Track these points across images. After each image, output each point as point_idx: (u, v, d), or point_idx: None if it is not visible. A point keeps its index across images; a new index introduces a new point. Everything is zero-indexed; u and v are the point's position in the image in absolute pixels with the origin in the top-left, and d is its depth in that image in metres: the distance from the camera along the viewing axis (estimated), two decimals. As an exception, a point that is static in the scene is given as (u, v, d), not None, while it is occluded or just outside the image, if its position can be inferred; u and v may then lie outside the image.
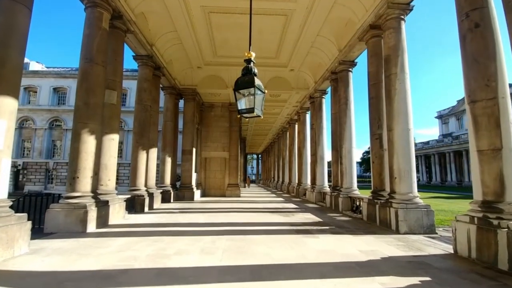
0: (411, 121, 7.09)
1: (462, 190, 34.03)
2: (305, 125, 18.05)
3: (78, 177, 6.40)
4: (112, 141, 7.65)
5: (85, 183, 6.45)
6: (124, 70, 32.15)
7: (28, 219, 6.92)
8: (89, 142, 6.56)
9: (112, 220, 7.20)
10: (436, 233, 6.66)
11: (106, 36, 7.31)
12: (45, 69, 38.71)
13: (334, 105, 12.06)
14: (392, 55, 7.31)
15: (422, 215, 6.56)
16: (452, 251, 5.04)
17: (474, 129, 4.84)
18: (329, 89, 14.38)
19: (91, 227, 6.29)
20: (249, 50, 4.57)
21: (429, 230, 6.55)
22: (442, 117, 56.68)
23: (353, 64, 10.94)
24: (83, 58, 6.87)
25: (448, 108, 55.66)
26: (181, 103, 15.57)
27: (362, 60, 13.09)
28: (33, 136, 35.20)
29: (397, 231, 6.50)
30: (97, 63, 6.92)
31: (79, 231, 6.08)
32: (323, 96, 14.59)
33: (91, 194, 6.55)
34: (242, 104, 4.39)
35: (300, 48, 12.05)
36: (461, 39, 5.21)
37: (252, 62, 4.50)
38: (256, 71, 4.47)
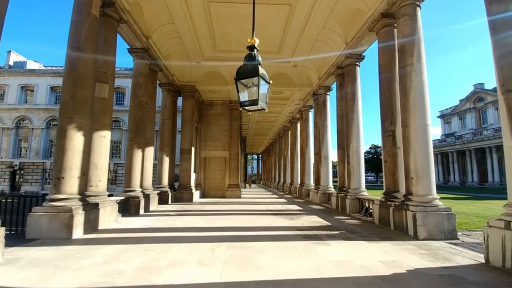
0: (428, 115, 6.49)
1: (466, 190, 33.43)
2: (308, 123, 17.49)
3: (63, 178, 5.79)
4: (103, 138, 7.04)
5: (71, 184, 5.84)
6: (123, 68, 31.28)
7: (11, 223, 6.42)
8: (76, 139, 5.95)
9: (102, 224, 6.59)
10: (458, 239, 6.07)
11: (96, 23, 6.71)
12: (43, 67, 38.10)
13: (340, 102, 11.45)
14: (408, 44, 6.70)
15: (442, 219, 5.96)
16: (483, 260, 4.46)
17: (510, 122, 4.23)
18: (333, 86, 13.80)
19: (78, 232, 5.69)
20: (252, 36, 4.04)
21: (450, 235, 5.96)
22: (444, 116, 56.05)
23: (360, 57, 10.35)
24: (70, 46, 6.26)
25: (450, 108, 55.03)
26: (180, 102, 14.95)
27: (368, 54, 12.35)
28: (30, 136, 34.55)
29: (415, 237, 5.90)
30: (86, 52, 6.32)
31: (64, 238, 5.48)
32: (328, 93, 14.01)
33: (78, 196, 5.94)
34: (245, 96, 3.88)
35: (304, 42, 11.44)
36: (491, 24, 4.65)
37: (255, 49, 3.98)
38: (260, 59, 3.94)
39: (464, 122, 50.62)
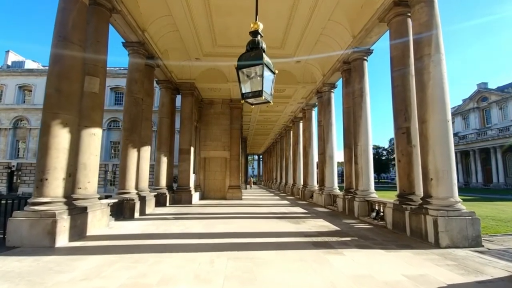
0: (449, 111, 5.92)
1: (472, 191, 32.75)
2: (311, 122, 16.92)
3: (46, 179, 5.23)
4: (93, 136, 6.48)
5: (55, 186, 5.28)
6: (122, 68, 30.55)
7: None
8: (60, 136, 5.39)
9: (91, 230, 6.03)
10: (483, 246, 5.50)
11: (85, 11, 6.16)
12: (41, 67, 37.61)
13: (346, 99, 10.88)
14: (425, 33, 6.13)
15: (466, 224, 5.39)
16: (517, 272, 3.90)
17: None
18: (339, 83, 13.25)
19: (62, 240, 5.13)
20: (256, 20, 3.54)
21: (474, 242, 5.40)
22: (447, 116, 55.38)
23: (369, 51, 9.79)
24: (56, 36, 5.71)
25: (453, 108, 54.33)
26: (178, 102, 14.35)
27: (375, 49, 11.75)
28: (28, 136, 34.05)
29: (436, 244, 5.32)
30: (73, 42, 5.77)
31: (46, 246, 4.94)
32: (332, 91, 13.42)
33: (63, 200, 5.38)
34: (247, 87, 3.39)
35: (308, 35, 10.89)
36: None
37: (259, 35, 3.47)
38: (264, 46, 3.43)
39: (467, 122, 49.95)
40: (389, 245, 5.37)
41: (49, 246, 4.93)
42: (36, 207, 5.11)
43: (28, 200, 5.37)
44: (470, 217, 5.45)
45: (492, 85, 48.05)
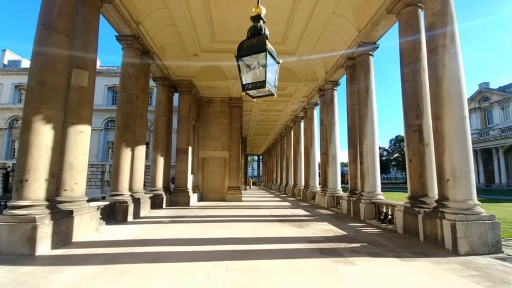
0: (466, 106, 5.47)
1: (474, 192, 32.27)
2: (312, 121, 16.46)
3: (26, 180, 4.76)
4: (80, 133, 6.00)
5: (36, 188, 4.81)
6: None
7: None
8: (43, 134, 4.92)
9: (78, 236, 5.55)
10: (503, 252, 5.07)
11: (73, -1, 5.70)
12: (38, 67, 37.08)
13: (350, 96, 10.43)
14: (439, 23, 5.69)
15: (486, 229, 4.95)
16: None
17: None
18: (342, 80, 12.83)
19: (44, 247, 4.66)
20: (258, 4, 3.14)
21: (494, 248, 4.96)
22: (448, 117, 54.99)
23: (375, 46, 9.34)
24: (40, 24, 5.26)
25: (454, 108, 54.01)
26: (176, 101, 13.87)
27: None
28: (24, 137, 33.49)
29: (454, 252, 4.87)
30: (58, 31, 5.30)
31: (26, 254, 4.47)
32: (335, 88, 12.98)
33: (46, 203, 4.90)
34: (249, 78, 2.97)
35: (311, 30, 10.44)
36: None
37: (262, 21, 3.06)
38: (267, 32, 3.01)
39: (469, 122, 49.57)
40: (403, 252, 4.91)
41: (28, 254, 4.46)
42: (15, 211, 4.64)
43: (7, 203, 4.90)
44: (490, 221, 5.00)
45: (494, 85, 47.74)
